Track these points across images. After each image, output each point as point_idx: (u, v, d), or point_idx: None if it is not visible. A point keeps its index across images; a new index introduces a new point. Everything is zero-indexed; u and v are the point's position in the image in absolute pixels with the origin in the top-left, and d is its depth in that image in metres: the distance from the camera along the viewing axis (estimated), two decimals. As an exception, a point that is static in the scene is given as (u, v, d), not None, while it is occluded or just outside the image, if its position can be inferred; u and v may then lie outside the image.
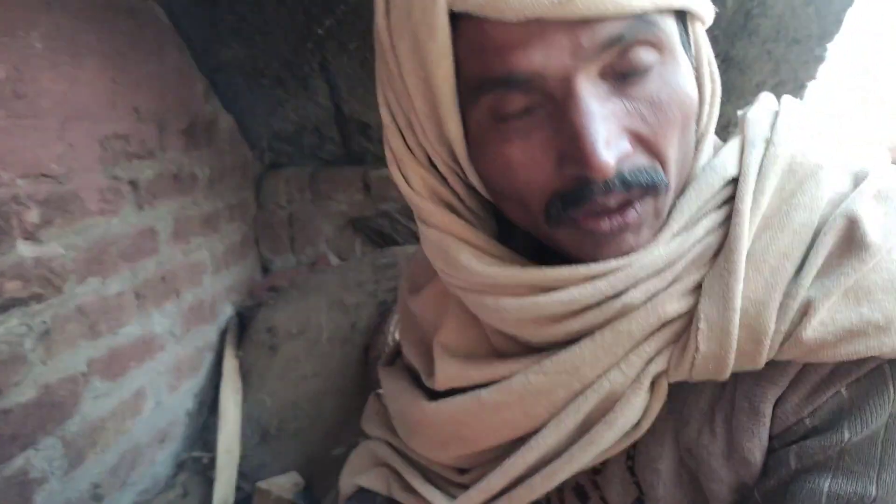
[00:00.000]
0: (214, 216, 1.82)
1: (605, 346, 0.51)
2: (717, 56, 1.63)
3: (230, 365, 1.80)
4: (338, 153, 1.97)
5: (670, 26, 0.47)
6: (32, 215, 1.18)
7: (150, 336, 1.55)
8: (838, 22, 1.37)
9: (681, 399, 0.54)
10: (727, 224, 0.51)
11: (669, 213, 0.50)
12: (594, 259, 0.50)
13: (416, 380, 0.72)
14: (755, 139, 0.53)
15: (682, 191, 0.52)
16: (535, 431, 0.57)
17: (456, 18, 0.46)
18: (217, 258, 1.84)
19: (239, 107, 1.83)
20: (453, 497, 0.65)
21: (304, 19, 1.55)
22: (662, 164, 0.48)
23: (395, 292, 1.70)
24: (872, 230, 0.48)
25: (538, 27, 0.44)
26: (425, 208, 0.56)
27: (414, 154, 0.55)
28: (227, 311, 1.90)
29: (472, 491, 0.62)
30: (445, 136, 0.52)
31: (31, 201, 1.18)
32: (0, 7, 1.11)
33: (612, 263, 0.49)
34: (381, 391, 0.84)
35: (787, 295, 0.48)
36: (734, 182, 0.52)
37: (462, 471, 0.66)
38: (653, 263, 0.49)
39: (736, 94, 1.52)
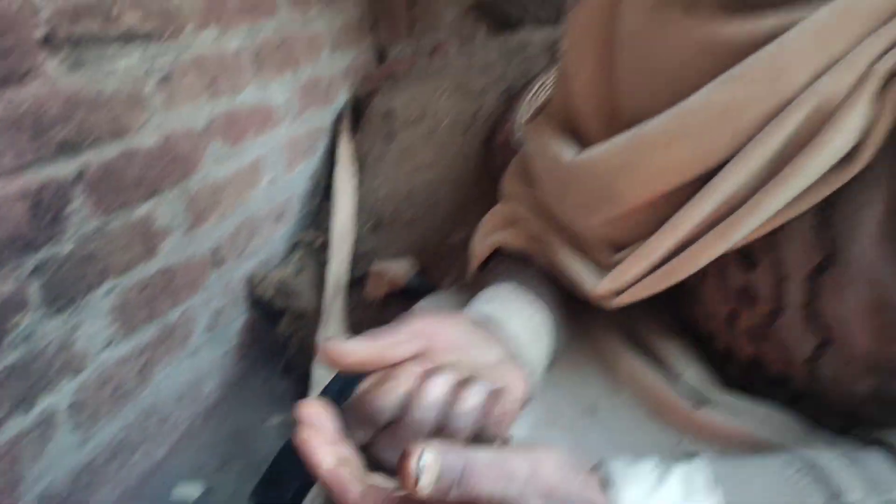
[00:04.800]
0: (333, -14, 1.67)
1: (820, 35, 0.39)
2: None
3: (345, 149, 1.72)
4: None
5: None
6: (149, -61, 1.07)
7: (267, 106, 1.47)
8: None
9: None
10: None
11: None
12: None
13: (567, 130, 0.59)
14: None
15: None
16: (710, 175, 0.44)
17: None
18: (334, 35, 1.71)
19: None
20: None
21: None
22: None
23: (525, 77, 1.53)
24: None
25: None
26: None
27: None
28: (342, 95, 1.81)
29: (629, 259, 0.50)
30: None
31: (147, -80, 1.06)
32: None
33: None
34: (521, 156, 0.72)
35: None
36: None
37: (618, 249, 0.54)
38: None
39: None
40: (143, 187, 1.13)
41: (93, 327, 1.04)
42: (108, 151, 1.05)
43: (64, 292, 0.98)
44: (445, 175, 1.59)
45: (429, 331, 0.45)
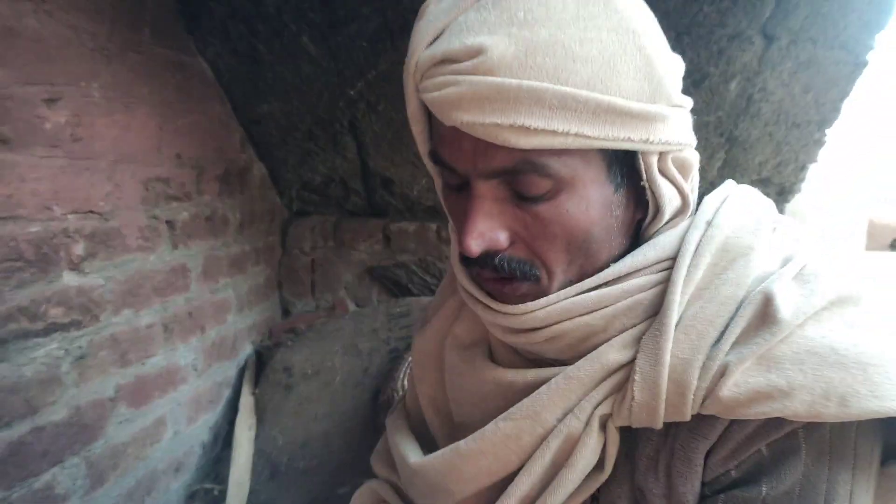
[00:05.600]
0: (242, 258, 1.92)
1: (560, 392, 0.60)
2: (721, 135, 1.73)
3: (246, 401, 1.87)
4: (361, 205, 2.07)
5: (574, 163, 0.55)
6: (79, 248, 1.29)
7: (174, 368, 1.63)
8: (836, 110, 1.46)
9: (634, 445, 0.62)
10: (664, 288, 0.59)
11: (602, 269, 0.61)
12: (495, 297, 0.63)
13: (416, 428, 0.80)
14: (699, 221, 0.62)
15: (621, 255, 0.62)
16: (510, 479, 0.64)
17: None
18: (241, 298, 1.93)
19: (272, 157, 1.95)
20: None
21: (337, 81, 1.68)
22: (543, 262, 0.59)
23: (407, 340, 1.78)
24: (785, 308, 0.55)
25: (458, 134, 0.55)
26: (446, 211, 0.68)
27: None
28: (247, 350, 1.99)
29: None
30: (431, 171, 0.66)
31: (79, 235, 1.29)
32: (67, 60, 1.24)
33: (555, 296, 0.60)
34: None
35: (709, 357, 0.55)
36: (673, 260, 0.61)
37: None
38: (585, 302, 0.60)
39: (740, 170, 1.61)
40: (48, 458, 1.24)
41: None
42: (19, 429, 1.17)
43: (-43, 572, 1.05)
44: (338, 426, 1.76)
45: None
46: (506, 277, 0.60)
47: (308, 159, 1.94)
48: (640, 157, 0.57)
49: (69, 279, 1.27)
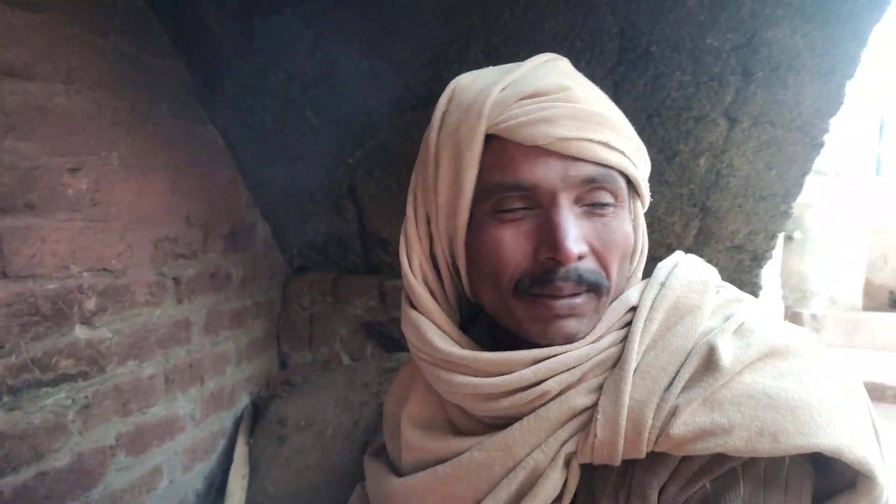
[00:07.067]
0: (243, 312, 2.01)
1: (531, 430, 0.69)
2: (694, 206, 1.86)
3: (241, 452, 1.94)
4: (358, 263, 2.17)
5: (624, 185, 0.70)
6: (91, 303, 1.39)
7: (173, 418, 1.71)
8: (798, 185, 1.57)
9: (595, 482, 0.71)
10: (626, 341, 0.69)
11: (618, 293, 0.72)
12: (541, 336, 0.69)
13: (392, 467, 0.89)
14: (654, 282, 0.74)
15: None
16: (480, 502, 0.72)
17: (488, 139, 0.69)
18: (241, 350, 2.02)
19: (275, 217, 2.07)
20: None
21: (338, 149, 1.80)
22: (607, 274, 0.70)
23: (398, 394, 1.85)
24: (725, 357, 0.65)
25: (542, 153, 0.66)
26: (416, 288, 0.76)
27: (421, 243, 0.76)
28: (243, 401, 2.06)
29: None
30: (454, 225, 0.73)
31: (92, 291, 1.39)
32: (91, 132, 1.36)
33: (542, 352, 0.68)
34: (364, 483, 1.00)
35: (662, 400, 0.65)
36: (635, 310, 0.72)
37: None
38: (567, 361, 0.68)
39: (714, 238, 1.71)
40: (49, 503, 1.31)
41: None
42: (25, 475, 1.25)
43: None
44: (327, 477, 1.82)
45: None
46: (575, 293, 0.69)
47: (309, 220, 2.05)
48: (631, 200, 0.74)
49: (80, 332, 1.36)
